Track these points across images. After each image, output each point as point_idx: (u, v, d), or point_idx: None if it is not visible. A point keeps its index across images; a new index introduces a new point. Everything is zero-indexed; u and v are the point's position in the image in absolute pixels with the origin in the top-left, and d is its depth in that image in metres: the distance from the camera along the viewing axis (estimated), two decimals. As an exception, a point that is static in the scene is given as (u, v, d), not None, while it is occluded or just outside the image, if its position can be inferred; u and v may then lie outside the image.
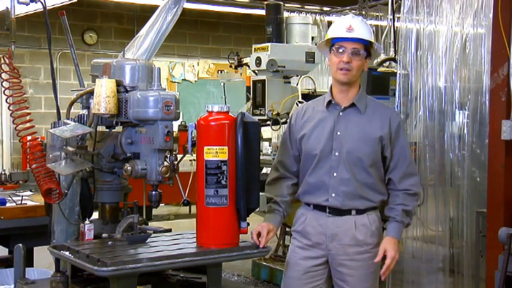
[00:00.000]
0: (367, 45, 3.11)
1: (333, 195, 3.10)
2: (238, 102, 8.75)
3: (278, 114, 5.81)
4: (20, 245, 2.85)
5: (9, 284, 3.85)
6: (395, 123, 3.15)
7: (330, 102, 3.18)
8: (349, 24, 3.09)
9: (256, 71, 6.30)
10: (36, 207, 4.20)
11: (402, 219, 3.14)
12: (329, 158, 3.11)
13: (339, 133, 3.12)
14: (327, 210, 3.13)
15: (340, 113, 3.15)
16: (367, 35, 3.10)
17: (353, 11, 9.28)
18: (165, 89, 2.83)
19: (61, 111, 3.10)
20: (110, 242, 2.71)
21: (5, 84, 2.99)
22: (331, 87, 3.22)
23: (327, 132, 3.13)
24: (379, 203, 3.20)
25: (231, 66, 7.04)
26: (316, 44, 3.33)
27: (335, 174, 3.11)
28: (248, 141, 2.69)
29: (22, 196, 4.51)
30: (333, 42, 3.12)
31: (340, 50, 3.07)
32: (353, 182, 3.09)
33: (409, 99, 5.22)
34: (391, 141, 3.14)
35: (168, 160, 2.82)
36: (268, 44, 6.05)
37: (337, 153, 3.11)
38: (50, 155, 2.87)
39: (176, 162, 2.85)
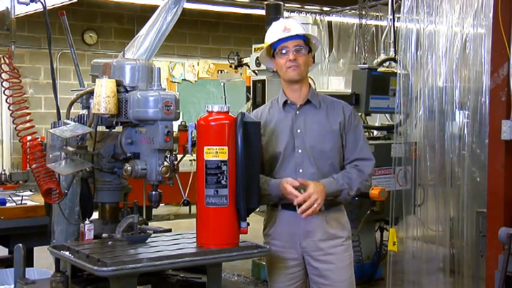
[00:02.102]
0: (305, 40, 3.22)
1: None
2: (238, 102, 8.75)
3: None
4: (20, 245, 2.85)
5: (9, 284, 3.84)
6: (348, 112, 3.28)
7: (285, 102, 3.28)
8: (284, 26, 3.21)
9: (256, 71, 6.31)
10: (36, 207, 4.20)
11: (338, 178, 3.16)
12: (292, 155, 3.19)
13: (299, 130, 3.22)
14: (297, 208, 3.15)
15: (297, 111, 3.26)
16: (303, 30, 3.22)
17: (353, 11, 9.30)
18: (165, 89, 2.83)
19: (61, 111, 3.10)
20: (110, 242, 2.71)
21: (5, 84, 2.99)
22: (282, 89, 3.32)
23: (287, 131, 3.22)
24: None
25: (231, 66, 7.05)
26: (259, 55, 3.44)
27: (301, 170, 3.19)
28: (248, 141, 2.69)
29: (22, 196, 4.51)
30: (274, 47, 3.23)
31: (284, 51, 3.19)
32: (319, 176, 3.16)
33: (409, 99, 5.22)
34: (345, 130, 3.25)
35: (168, 160, 2.82)
36: (268, 44, 6.05)
37: (300, 150, 3.20)
38: (50, 155, 2.87)
39: (176, 162, 2.85)
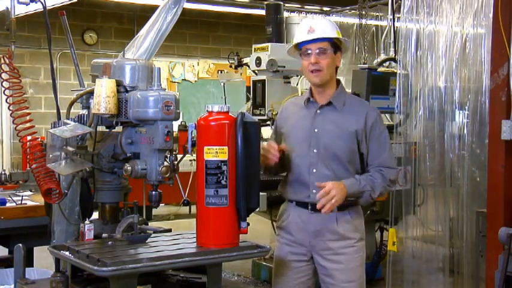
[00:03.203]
0: (333, 41, 3.19)
1: (314, 191, 3.15)
2: (238, 102, 8.76)
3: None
4: (20, 245, 2.85)
5: (9, 284, 3.84)
6: (372, 119, 3.22)
7: (308, 100, 3.28)
8: (309, 26, 3.19)
9: (256, 71, 6.30)
10: (36, 207, 4.20)
11: (361, 179, 3.15)
12: (308, 155, 3.19)
13: (316, 130, 3.21)
14: (309, 207, 3.19)
15: (318, 111, 3.25)
16: (329, 32, 3.19)
17: (353, 11, 9.29)
18: (165, 89, 2.83)
19: (61, 111, 3.10)
20: (110, 242, 2.71)
21: (5, 84, 2.99)
22: (310, 87, 3.31)
23: (305, 129, 3.22)
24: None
25: (231, 66, 7.05)
26: (287, 52, 3.44)
27: (314, 170, 3.19)
28: (248, 141, 2.69)
29: (22, 196, 4.51)
30: (299, 47, 3.21)
31: (306, 52, 3.17)
32: (332, 178, 3.14)
33: (409, 99, 5.22)
34: (367, 136, 3.20)
35: (168, 160, 2.82)
36: (268, 44, 6.06)
37: (315, 150, 3.19)
38: (50, 155, 2.87)
39: (176, 162, 2.85)
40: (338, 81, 3.32)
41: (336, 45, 3.21)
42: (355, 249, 3.22)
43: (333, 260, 3.19)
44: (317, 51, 3.15)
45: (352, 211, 3.24)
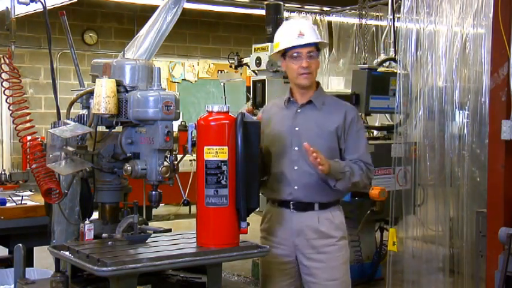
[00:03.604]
0: (317, 45, 3.26)
1: (296, 187, 3.21)
2: (238, 102, 8.75)
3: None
4: (20, 245, 2.85)
5: (9, 284, 3.84)
6: (350, 117, 3.28)
7: (289, 100, 3.34)
8: (298, 31, 3.22)
9: (256, 71, 6.30)
10: (36, 207, 4.20)
11: (341, 162, 3.18)
12: (289, 153, 3.23)
13: (297, 128, 3.26)
14: (291, 206, 3.23)
15: (298, 110, 3.30)
16: (317, 36, 3.26)
17: (353, 11, 9.29)
18: (165, 89, 2.83)
19: (61, 111, 3.10)
20: (110, 242, 2.71)
21: (5, 84, 2.99)
22: (290, 88, 3.36)
23: (286, 128, 3.27)
24: (341, 196, 3.34)
25: (231, 66, 7.05)
26: (269, 54, 3.48)
27: (296, 168, 3.23)
28: (248, 141, 2.69)
29: (22, 196, 4.51)
30: (287, 50, 3.24)
31: (296, 55, 3.21)
32: (314, 175, 3.18)
33: (409, 99, 5.22)
34: (345, 132, 3.26)
35: (168, 160, 2.82)
36: (268, 44, 6.05)
37: (296, 148, 3.24)
38: (50, 155, 2.87)
39: (176, 162, 2.85)
40: (317, 83, 3.39)
41: (318, 48, 3.29)
42: (337, 247, 3.25)
43: (315, 258, 3.23)
44: (308, 55, 3.21)
45: (334, 210, 3.29)
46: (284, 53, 3.26)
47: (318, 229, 3.23)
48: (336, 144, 3.25)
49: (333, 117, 3.26)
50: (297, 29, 3.22)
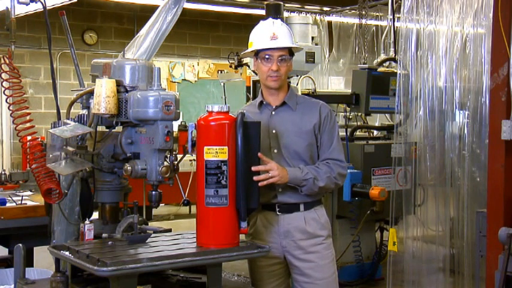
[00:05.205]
0: (290, 49, 3.26)
1: (280, 190, 3.21)
2: (238, 102, 8.76)
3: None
4: (20, 245, 2.85)
5: (9, 284, 3.85)
6: (324, 113, 3.29)
7: (261, 102, 3.32)
8: (272, 33, 3.21)
9: (256, 71, 6.29)
10: (36, 207, 4.20)
11: (304, 168, 3.17)
12: (269, 155, 3.20)
13: (274, 131, 3.26)
14: (277, 208, 3.23)
15: (273, 112, 3.30)
16: (290, 40, 3.24)
17: (353, 11, 9.29)
18: (165, 89, 2.83)
19: (61, 111, 3.10)
20: (110, 242, 2.71)
21: (5, 84, 2.99)
22: (261, 91, 3.36)
23: (263, 131, 3.19)
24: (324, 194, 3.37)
25: (231, 66, 7.05)
26: (242, 53, 3.45)
27: None
28: (248, 141, 2.69)
29: (22, 196, 4.51)
30: (258, 51, 3.24)
31: (267, 57, 3.21)
32: None
33: (409, 99, 5.22)
34: (320, 129, 3.27)
35: (168, 160, 2.82)
36: (268, 44, 6.04)
37: (275, 151, 3.24)
38: (50, 155, 2.87)
39: (176, 162, 2.85)
40: (288, 84, 3.39)
41: (291, 52, 3.28)
42: (324, 246, 3.28)
43: (305, 259, 3.24)
44: (279, 58, 3.20)
45: (318, 209, 3.31)
46: (257, 53, 3.25)
47: (305, 230, 3.24)
48: (315, 142, 3.27)
49: (309, 116, 3.27)
50: (270, 31, 3.21)
